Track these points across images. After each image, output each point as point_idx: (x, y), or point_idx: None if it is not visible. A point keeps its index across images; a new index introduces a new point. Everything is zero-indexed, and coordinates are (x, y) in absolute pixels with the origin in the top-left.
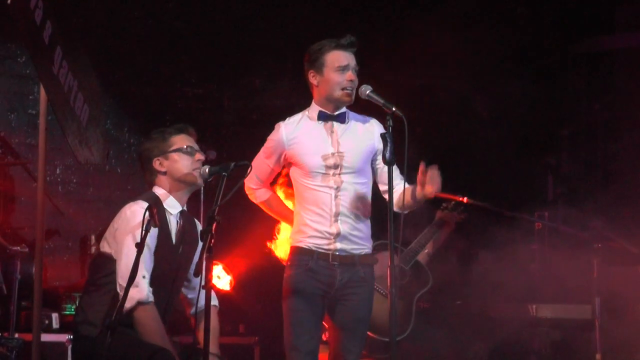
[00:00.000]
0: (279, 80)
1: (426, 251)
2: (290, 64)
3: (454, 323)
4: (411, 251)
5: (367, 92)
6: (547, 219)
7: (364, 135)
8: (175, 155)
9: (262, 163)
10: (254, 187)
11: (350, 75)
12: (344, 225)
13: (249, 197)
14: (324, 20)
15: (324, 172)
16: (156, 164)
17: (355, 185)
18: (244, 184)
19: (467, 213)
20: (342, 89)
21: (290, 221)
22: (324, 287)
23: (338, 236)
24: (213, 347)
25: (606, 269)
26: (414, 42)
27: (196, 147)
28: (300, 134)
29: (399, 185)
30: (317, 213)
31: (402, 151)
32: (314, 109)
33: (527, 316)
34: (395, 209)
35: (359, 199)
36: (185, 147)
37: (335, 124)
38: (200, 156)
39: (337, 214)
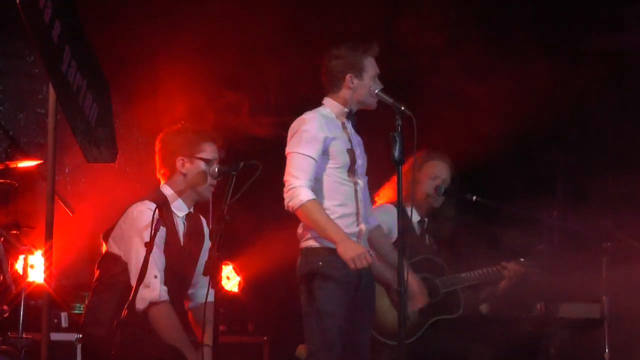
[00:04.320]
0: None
1: (482, 296)
2: None
3: (460, 322)
4: (456, 280)
5: (376, 91)
6: (555, 217)
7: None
8: (201, 163)
9: (305, 160)
10: (300, 184)
11: (379, 82)
12: (363, 225)
13: (290, 200)
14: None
15: (351, 167)
16: (179, 162)
17: (366, 187)
18: (258, 185)
19: (536, 269)
20: (373, 97)
21: (330, 233)
22: (352, 290)
23: (360, 235)
24: (209, 339)
25: (615, 268)
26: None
27: (217, 158)
28: (333, 127)
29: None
30: (345, 209)
31: (410, 150)
32: (337, 106)
33: (536, 315)
34: None
35: (366, 200)
36: (212, 159)
37: (347, 124)
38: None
39: (359, 212)
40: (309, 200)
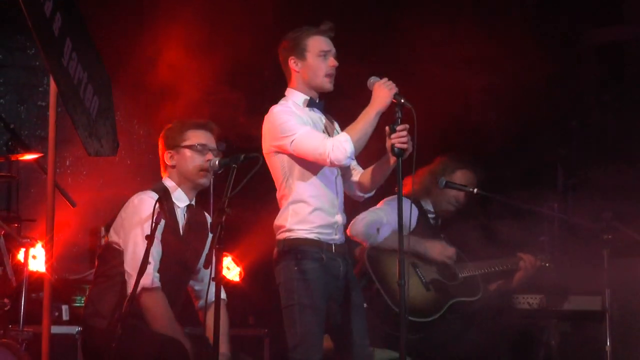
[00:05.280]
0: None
1: (493, 288)
2: None
3: (464, 316)
4: (473, 266)
5: (374, 82)
6: (556, 210)
7: (337, 127)
8: (186, 151)
9: (308, 133)
10: (328, 142)
11: (332, 61)
12: (342, 214)
13: (339, 153)
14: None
15: None
16: (167, 156)
17: (342, 174)
18: (254, 175)
19: (551, 265)
20: (326, 76)
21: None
22: (332, 279)
23: (339, 225)
24: (222, 346)
25: (616, 260)
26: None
27: (212, 145)
28: (301, 114)
29: (359, 168)
30: (323, 201)
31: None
32: (297, 95)
33: (537, 307)
34: (360, 192)
35: (343, 187)
36: (196, 144)
37: (319, 111)
38: (211, 156)
39: (338, 202)
40: (344, 137)
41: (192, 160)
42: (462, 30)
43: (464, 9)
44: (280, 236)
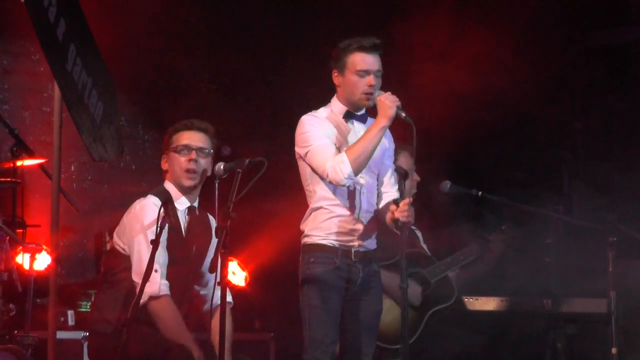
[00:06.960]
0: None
1: (456, 272)
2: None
3: (467, 319)
4: (443, 266)
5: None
6: (561, 212)
7: (384, 140)
8: (173, 155)
9: (322, 146)
10: (329, 164)
11: (370, 80)
12: (366, 222)
13: (337, 176)
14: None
15: None
16: (162, 161)
17: (373, 184)
18: (259, 179)
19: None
20: (363, 94)
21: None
22: (346, 284)
23: (360, 233)
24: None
25: (622, 263)
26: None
27: (196, 144)
28: (330, 129)
29: (390, 193)
30: (342, 209)
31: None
32: (338, 106)
33: (542, 310)
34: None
35: (374, 197)
36: (179, 146)
37: (357, 123)
38: (194, 155)
39: (360, 211)
40: (342, 158)
41: (176, 162)
42: (464, 29)
43: (465, 8)
44: (301, 240)
